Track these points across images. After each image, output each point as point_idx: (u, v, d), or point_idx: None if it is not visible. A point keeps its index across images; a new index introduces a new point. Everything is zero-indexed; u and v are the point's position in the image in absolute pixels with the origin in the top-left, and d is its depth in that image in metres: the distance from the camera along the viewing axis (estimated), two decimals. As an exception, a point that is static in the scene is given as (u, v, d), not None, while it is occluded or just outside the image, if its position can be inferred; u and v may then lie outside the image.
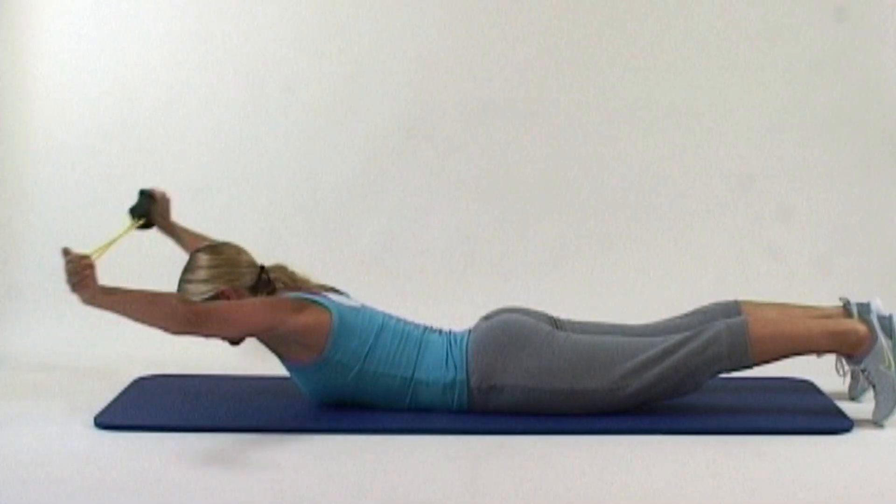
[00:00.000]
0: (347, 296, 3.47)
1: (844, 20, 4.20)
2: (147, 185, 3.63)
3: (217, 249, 3.36)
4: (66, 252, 3.00)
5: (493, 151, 4.24)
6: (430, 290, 4.18)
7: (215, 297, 3.30)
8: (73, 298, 3.01)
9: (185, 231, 3.69)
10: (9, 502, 2.70)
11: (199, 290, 3.31)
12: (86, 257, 3.01)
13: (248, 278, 3.34)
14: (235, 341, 3.37)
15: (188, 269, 3.35)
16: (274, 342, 3.28)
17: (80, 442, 3.13)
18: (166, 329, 3.11)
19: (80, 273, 3.00)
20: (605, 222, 4.23)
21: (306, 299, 3.29)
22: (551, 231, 4.23)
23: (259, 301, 3.26)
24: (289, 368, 3.34)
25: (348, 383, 3.30)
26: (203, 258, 3.34)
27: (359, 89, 4.22)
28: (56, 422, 3.31)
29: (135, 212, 3.64)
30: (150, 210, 3.64)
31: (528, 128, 4.23)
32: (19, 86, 4.24)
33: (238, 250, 3.38)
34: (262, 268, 3.40)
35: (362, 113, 4.22)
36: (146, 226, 3.67)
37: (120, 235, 3.47)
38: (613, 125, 4.23)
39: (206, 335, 3.19)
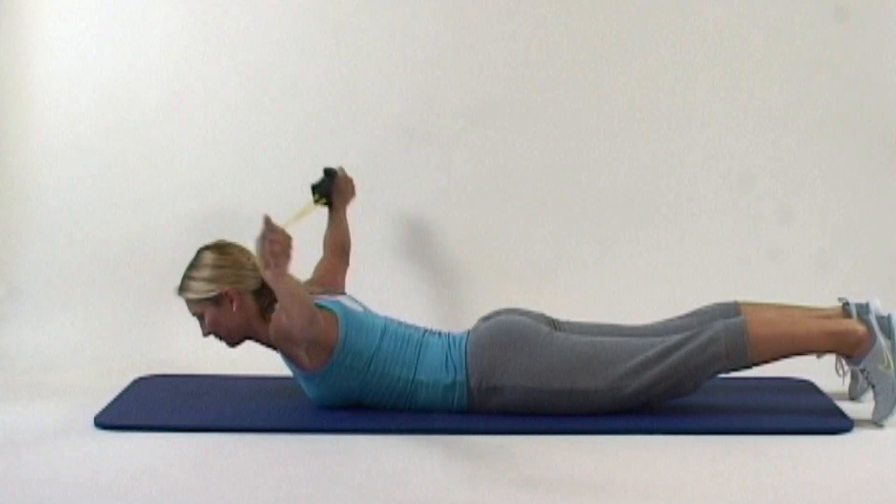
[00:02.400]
0: (350, 298, 3.48)
1: (844, 20, 4.20)
2: (330, 165, 3.74)
3: (224, 250, 3.36)
4: (269, 223, 2.99)
5: (493, 151, 4.23)
6: (431, 291, 4.18)
7: (217, 298, 3.30)
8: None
9: (343, 223, 3.79)
10: (9, 502, 2.70)
11: (201, 289, 3.31)
12: (287, 235, 3.02)
13: (253, 282, 3.34)
14: (234, 343, 3.37)
15: (193, 265, 3.35)
16: (292, 347, 3.27)
17: (80, 442, 3.13)
18: (297, 318, 3.13)
19: (283, 244, 3.00)
20: (604, 222, 4.23)
21: (315, 304, 3.29)
22: (551, 231, 4.23)
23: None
24: (297, 375, 3.34)
25: (354, 387, 3.30)
26: (209, 257, 3.34)
27: (359, 89, 4.22)
28: (56, 422, 3.31)
29: (316, 189, 3.73)
30: (330, 189, 3.73)
31: (528, 128, 4.22)
32: (20, 86, 4.23)
33: (244, 252, 3.38)
34: (268, 273, 3.40)
35: (362, 113, 4.22)
36: (327, 203, 3.75)
37: (303, 214, 3.55)
38: (613, 125, 4.23)
39: (311, 335, 3.20)
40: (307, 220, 3.56)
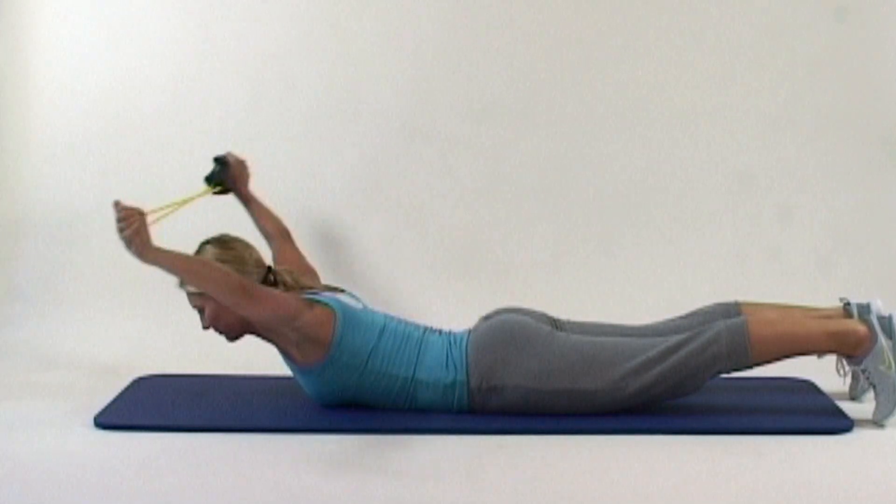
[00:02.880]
0: (351, 295, 3.47)
1: (844, 20, 4.19)
2: (221, 152, 3.72)
3: (227, 244, 3.36)
4: (116, 203, 3.02)
5: (493, 151, 4.23)
6: (431, 290, 4.18)
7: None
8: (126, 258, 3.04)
9: (259, 204, 3.76)
10: (9, 502, 2.70)
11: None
12: (137, 209, 3.03)
13: (255, 277, 3.34)
14: (233, 337, 3.36)
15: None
16: (283, 341, 3.28)
17: (80, 442, 3.13)
18: (220, 292, 3.14)
19: (129, 220, 3.01)
20: (605, 222, 4.23)
21: (312, 299, 3.30)
22: (551, 231, 4.23)
23: (286, 293, 3.30)
24: (294, 370, 3.34)
25: (352, 384, 3.30)
26: (211, 251, 3.34)
27: (359, 89, 4.22)
28: (56, 422, 3.31)
29: (209, 180, 3.70)
30: (224, 177, 3.70)
31: (528, 128, 4.22)
32: (20, 86, 4.23)
33: (247, 247, 3.38)
34: (270, 268, 3.40)
35: (362, 113, 4.22)
36: (223, 191, 3.72)
37: (190, 199, 3.52)
38: (613, 125, 4.22)
39: (247, 311, 3.20)
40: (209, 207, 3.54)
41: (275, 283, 3.38)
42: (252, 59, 4.23)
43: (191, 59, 4.23)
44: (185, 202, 3.45)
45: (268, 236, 3.73)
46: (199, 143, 4.22)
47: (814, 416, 3.31)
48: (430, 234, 4.22)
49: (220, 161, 3.72)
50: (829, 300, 3.54)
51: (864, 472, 2.93)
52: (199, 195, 3.59)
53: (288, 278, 3.41)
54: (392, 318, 3.42)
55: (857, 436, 3.18)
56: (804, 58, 4.21)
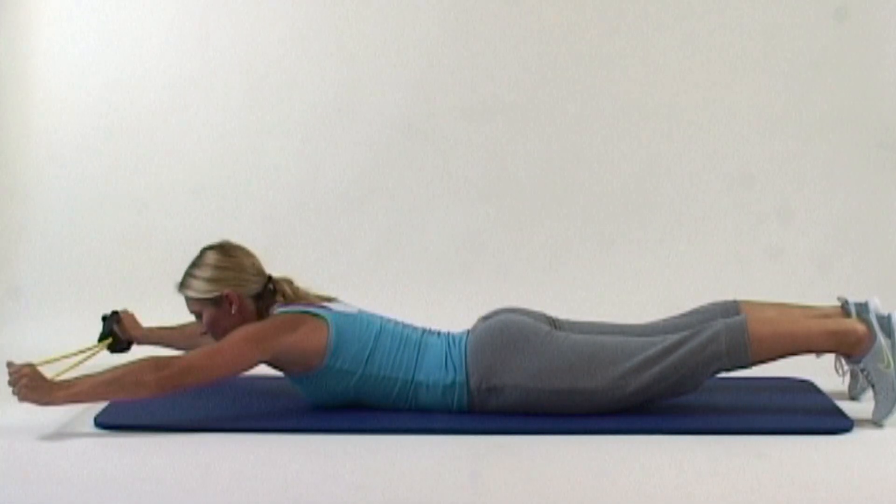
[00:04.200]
0: (343, 303, 3.46)
1: (844, 20, 4.20)
2: (106, 309, 3.66)
3: (228, 251, 3.36)
4: (8, 364, 3.08)
5: (493, 151, 4.24)
6: (430, 290, 4.18)
7: (217, 300, 3.30)
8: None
9: (164, 330, 3.71)
10: (9, 502, 2.70)
11: (202, 288, 3.30)
12: (25, 364, 3.08)
13: (254, 286, 3.34)
14: None
15: (196, 263, 3.34)
16: (273, 362, 3.27)
17: (80, 442, 3.13)
18: (145, 397, 3.14)
19: (17, 381, 3.06)
20: (604, 222, 4.23)
21: (303, 312, 3.28)
22: (551, 231, 4.23)
23: (240, 337, 3.20)
24: (292, 380, 3.34)
25: (350, 389, 3.30)
26: (212, 257, 3.33)
27: (359, 89, 4.22)
28: (56, 422, 3.30)
29: (101, 338, 3.66)
30: (115, 330, 3.66)
31: (528, 128, 4.23)
32: (20, 86, 4.24)
33: (248, 255, 3.37)
34: (270, 278, 3.39)
35: (362, 113, 4.22)
36: (123, 346, 3.67)
37: (83, 354, 3.50)
38: (613, 125, 4.23)
39: (194, 387, 3.19)
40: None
41: (273, 293, 3.37)
42: (252, 59, 4.23)
43: (191, 59, 4.23)
44: (75, 356, 3.43)
45: (191, 343, 3.59)
46: (199, 143, 4.23)
47: (814, 416, 3.31)
48: (430, 234, 4.22)
49: (107, 317, 3.68)
50: (828, 299, 3.54)
51: (864, 472, 2.93)
52: (90, 352, 3.54)
53: (286, 289, 3.40)
54: (389, 320, 3.42)
55: (857, 436, 3.18)
56: (804, 58, 4.22)
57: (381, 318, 3.42)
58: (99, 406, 3.37)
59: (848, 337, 3.28)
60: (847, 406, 3.41)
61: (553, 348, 3.28)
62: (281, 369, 3.31)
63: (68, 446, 3.10)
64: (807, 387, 3.61)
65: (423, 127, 4.22)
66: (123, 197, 4.22)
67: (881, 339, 3.26)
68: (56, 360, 3.32)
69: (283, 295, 3.38)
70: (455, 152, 4.23)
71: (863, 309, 3.39)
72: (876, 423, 3.25)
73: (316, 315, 3.28)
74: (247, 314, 3.32)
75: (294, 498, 2.75)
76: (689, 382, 3.27)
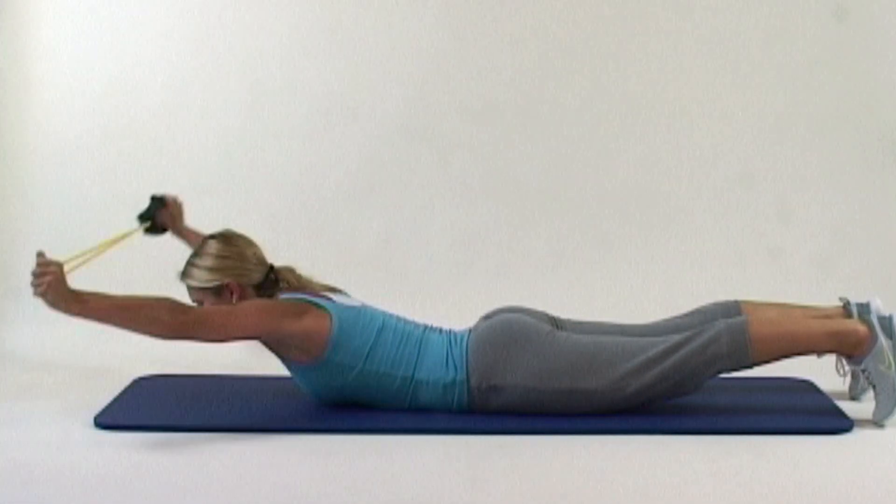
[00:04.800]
0: (347, 295, 3.47)
1: (844, 20, 4.20)
2: (159, 191, 3.67)
3: (229, 240, 3.36)
4: (38, 255, 2.93)
5: (493, 151, 4.24)
6: (430, 290, 4.18)
7: (218, 289, 3.30)
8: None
9: (198, 236, 3.69)
10: (9, 502, 2.69)
11: (203, 277, 3.30)
12: (54, 262, 2.94)
13: (256, 275, 3.34)
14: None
15: (197, 252, 3.35)
16: (274, 344, 3.27)
17: (80, 442, 3.13)
18: (155, 336, 3.07)
19: (40, 276, 2.93)
20: (605, 222, 4.23)
21: (307, 301, 3.29)
22: (551, 231, 4.23)
23: (255, 306, 3.22)
24: (290, 368, 3.34)
25: (349, 383, 3.30)
26: (214, 246, 3.33)
27: (359, 89, 4.22)
28: (56, 422, 3.31)
29: (142, 217, 3.66)
30: (156, 214, 3.65)
31: (528, 128, 4.23)
32: (19, 86, 4.24)
33: (250, 244, 3.38)
34: (272, 267, 3.39)
35: (362, 113, 4.22)
36: (157, 231, 3.68)
37: (120, 238, 3.46)
38: (613, 125, 4.23)
39: (201, 341, 3.16)
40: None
41: (276, 282, 3.37)
42: (252, 59, 4.23)
43: (191, 59, 4.23)
44: (114, 242, 3.39)
45: None
46: (199, 143, 4.23)
47: (814, 416, 3.31)
48: (430, 234, 4.22)
49: (157, 199, 3.68)
50: (828, 300, 3.54)
51: (864, 472, 2.93)
52: (126, 235, 3.51)
53: (290, 277, 3.41)
54: (391, 316, 3.42)
55: (857, 436, 3.18)
56: (804, 58, 4.22)
57: (384, 313, 3.41)
58: (99, 406, 3.38)
59: (849, 338, 3.28)
60: (847, 406, 3.41)
61: (554, 348, 3.28)
62: (282, 356, 3.30)
63: (68, 446, 3.10)
64: (807, 387, 3.61)
65: (422, 127, 4.22)
66: (123, 197, 4.21)
67: (882, 340, 3.26)
68: (87, 254, 3.25)
69: (288, 283, 3.38)
70: (455, 152, 4.23)
71: (864, 309, 3.39)
72: (876, 423, 3.25)
73: (320, 306, 3.29)
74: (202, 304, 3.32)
75: (294, 498, 2.75)
76: (690, 383, 3.27)
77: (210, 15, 4.22)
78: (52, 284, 2.93)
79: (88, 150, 4.23)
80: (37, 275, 2.93)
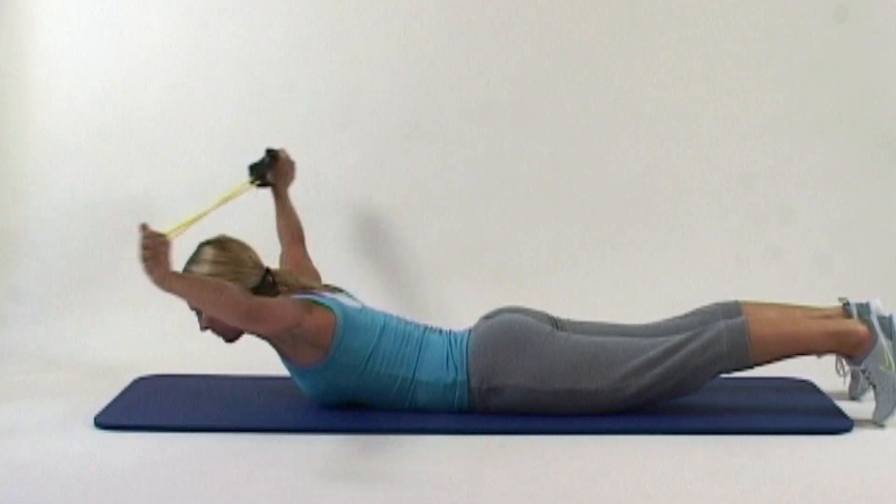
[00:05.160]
0: (349, 294, 3.47)
1: (844, 20, 4.20)
2: (274, 146, 3.75)
3: (224, 245, 3.36)
4: (143, 227, 2.96)
5: (493, 151, 4.23)
6: (431, 290, 4.18)
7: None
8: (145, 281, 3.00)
9: (288, 205, 3.77)
10: (9, 502, 2.69)
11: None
12: (161, 235, 2.98)
13: (253, 279, 3.34)
14: (231, 338, 3.36)
15: (193, 259, 3.35)
16: (283, 343, 3.27)
17: (80, 442, 3.13)
18: (227, 317, 3.16)
19: (153, 248, 2.96)
20: (605, 222, 4.23)
21: (312, 301, 3.29)
22: (551, 231, 4.23)
23: (287, 300, 3.27)
24: (292, 371, 3.34)
25: (351, 385, 3.30)
26: (209, 252, 3.34)
27: (359, 89, 4.22)
28: (56, 422, 3.31)
29: (254, 169, 3.71)
30: (266, 170, 3.71)
31: (528, 128, 4.22)
32: (19, 86, 4.23)
33: (245, 249, 3.38)
34: (268, 270, 3.39)
35: (362, 113, 4.22)
36: (264, 185, 3.73)
37: (235, 194, 3.49)
38: (613, 125, 4.22)
39: (254, 331, 3.23)
40: (246, 201, 3.56)
41: (273, 284, 3.37)
42: (252, 59, 4.23)
43: (191, 59, 4.23)
44: (230, 198, 3.45)
45: (281, 236, 3.74)
46: (199, 143, 4.23)
47: (814, 416, 3.31)
48: (430, 234, 4.22)
49: (272, 154, 3.74)
50: (828, 300, 3.54)
51: (864, 472, 2.93)
52: (238, 192, 3.58)
53: (289, 279, 3.41)
54: (392, 317, 3.42)
55: (857, 436, 3.18)
56: (804, 58, 4.21)
57: (385, 314, 3.42)
58: (99, 406, 3.38)
59: (849, 338, 3.28)
60: (847, 406, 3.41)
61: (555, 349, 3.28)
62: (288, 358, 3.30)
63: (68, 446, 3.10)
64: (807, 387, 3.61)
65: (423, 127, 4.22)
66: (123, 197, 4.21)
67: (882, 340, 3.26)
68: (199, 214, 3.30)
69: (287, 285, 3.38)
70: (455, 152, 4.23)
71: (864, 310, 3.39)
72: (876, 423, 3.26)
73: (325, 305, 3.29)
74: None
75: (294, 498, 2.75)
76: (691, 383, 3.27)
77: (210, 15, 4.21)
78: (159, 259, 2.97)
79: (88, 150, 4.23)
80: (146, 247, 2.95)
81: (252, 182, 3.70)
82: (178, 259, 3.40)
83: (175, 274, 3.04)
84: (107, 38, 4.23)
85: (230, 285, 3.17)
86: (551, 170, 4.23)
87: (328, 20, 4.23)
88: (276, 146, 3.78)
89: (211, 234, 3.40)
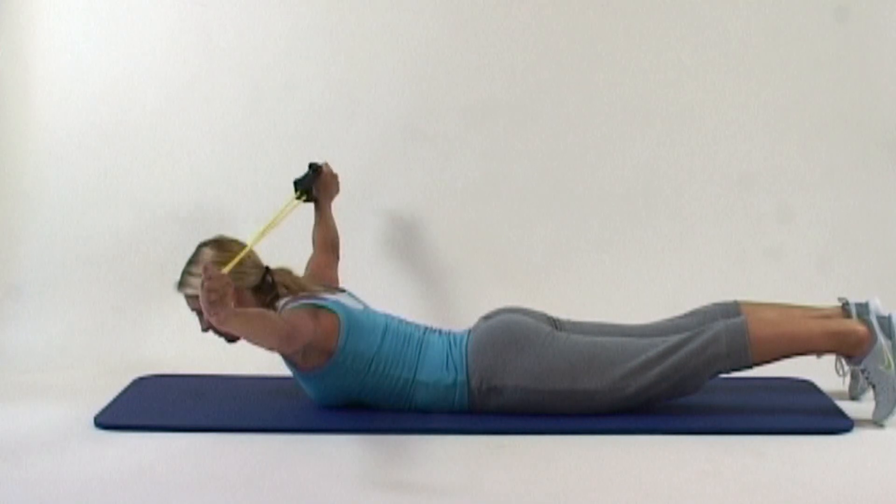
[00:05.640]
0: (350, 295, 3.47)
1: (844, 20, 4.19)
2: (316, 160, 3.76)
3: (223, 246, 3.36)
4: (206, 269, 2.81)
5: (493, 151, 4.23)
6: (430, 290, 4.18)
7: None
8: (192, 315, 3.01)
9: (328, 217, 3.77)
10: (9, 502, 2.70)
11: (199, 285, 3.30)
12: (224, 275, 2.84)
13: (253, 279, 3.34)
14: (232, 339, 3.36)
15: (192, 261, 3.35)
16: (295, 353, 3.26)
17: (80, 442, 3.13)
18: (268, 345, 3.09)
19: (220, 290, 2.81)
20: (605, 222, 4.23)
21: (315, 305, 3.29)
22: (551, 231, 4.23)
23: (300, 313, 3.21)
24: (296, 374, 3.34)
25: (354, 386, 3.30)
26: (208, 253, 3.34)
27: (359, 89, 4.22)
28: (56, 422, 3.31)
29: (298, 184, 3.70)
30: (311, 185, 3.71)
31: (528, 128, 4.22)
32: (19, 86, 4.23)
33: (243, 249, 3.37)
34: (268, 269, 3.39)
35: (362, 113, 4.22)
36: (310, 199, 3.73)
37: (284, 212, 3.46)
38: (613, 125, 4.22)
39: (286, 351, 3.18)
40: (291, 215, 3.54)
41: (273, 286, 3.37)
42: (252, 59, 4.23)
43: (191, 59, 4.22)
44: (279, 219, 3.36)
45: (314, 242, 3.74)
46: (199, 142, 4.22)
47: (814, 416, 3.31)
48: (430, 234, 4.22)
49: (314, 168, 3.75)
50: (828, 300, 3.54)
51: (864, 472, 2.93)
52: (285, 211, 3.50)
53: (287, 279, 3.40)
54: (392, 318, 3.42)
55: (857, 436, 3.18)
56: (804, 58, 4.21)
57: (385, 315, 3.42)
58: (99, 406, 3.38)
59: (848, 338, 3.28)
60: (847, 406, 3.41)
61: (554, 349, 3.29)
62: (294, 363, 3.30)
63: (68, 446, 3.10)
64: (807, 387, 3.61)
65: (423, 127, 4.22)
66: (123, 197, 4.21)
67: (882, 339, 3.26)
68: (262, 233, 3.21)
69: (286, 286, 3.38)
70: (455, 152, 4.23)
71: (863, 310, 3.39)
72: (876, 423, 3.26)
73: (328, 308, 3.28)
74: (247, 308, 3.32)
75: (294, 498, 2.75)
76: (690, 383, 3.27)
77: (210, 15, 4.21)
78: (226, 300, 2.83)
79: (88, 150, 4.22)
80: (213, 289, 2.81)
81: (298, 198, 3.68)
82: (179, 261, 3.42)
83: (234, 312, 2.91)
84: (107, 38, 4.23)
85: (270, 314, 3.10)
86: (551, 170, 4.23)
87: (328, 20, 4.23)
88: (318, 160, 3.79)
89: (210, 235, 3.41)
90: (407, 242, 4.20)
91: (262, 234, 3.26)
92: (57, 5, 4.22)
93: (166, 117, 4.22)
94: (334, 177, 3.82)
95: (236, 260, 3.12)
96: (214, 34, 4.22)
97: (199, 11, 4.22)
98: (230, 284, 2.85)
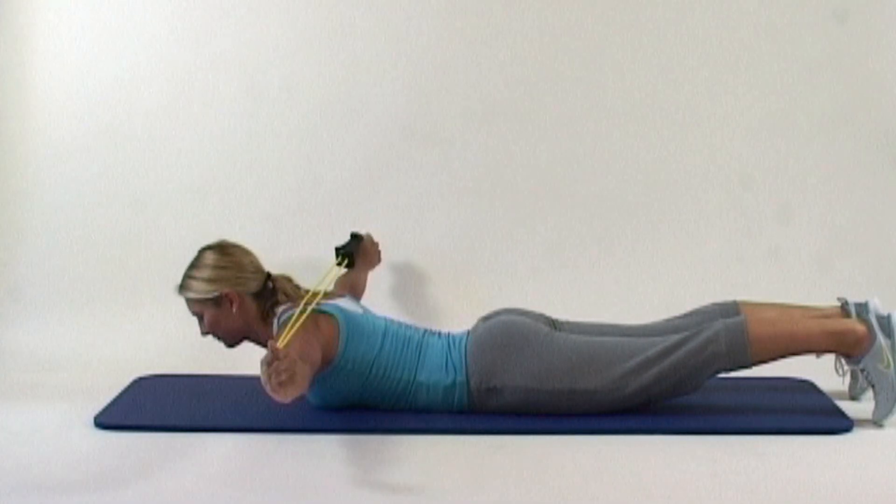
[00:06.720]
0: (350, 298, 3.47)
1: (844, 20, 4.19)
2: (358, 230, 3.84)
3: (225, 250, 3.36)
4: (275, 349, 2.68)
5: (493, 151, 4.23)
6: (431, 290, 4.18)
7: (217, 299, 3.30)
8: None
9: (361, 284, 3.78)
10: (9, 502, 2.70)
11: (202, 289, 3.30)
12: (289, 354, 2.73)
13: (254, 284, 3.34)
14: (231, 343, 3.37)
15: (194, 265, 3.35)
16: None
17: (80, 442, 3.13)
18: (303, 386, 2.93)
19: (290, 370, 2.71)
20: (604, 222, 4.23)
21: (315, 311, 3.28)
22: (551, 231, 4.23)
23: (307, 337, 3.13)
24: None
25: (355, 389, 3.30)
26: (210, 257, 3.34)
27: (359, 89, 4.22)
28: (56, 422, 3.31)
29: (340, 251, 3.72)
30: (354, 252, 3.75)
31: (528, 128, 4.22)
32: (19, 86, 4.23)
33: (246, 253, 3.38)
34: (269, 275, 3.39)
35: (362, 113, 4.22)
36: (350, 266, 3.74)
37: (324, 282, 3.43)
38: (613, 125, 4.22)
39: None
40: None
41: (273, 292, 3.37)
42: (252, 59, 4.23)
43: (191, 59, 4.22)
44: (317, 294, 3.30)
45: (336, 285, 3.66)
46: (199, 143, 4.23)
47: (814, 416, 3.31)
48: (430, 234, 4.22)
49: (356, 237, 3.81)
50: (827, 300, 3.54)
51: (864, 472, 2.93)
52: (329, 279, 3.49)
53: (288, 286, 3.40)
54: (392, 321, 3.42)
55: (857, 436, 3.18)
56: (804, 58, 4.21)
57: (385, 318, 3.42)
58: (99, 406, 3.38)
59: (847, 337, 3.28)
60: (847, 406, 3.41)
61: (553, 349, 3.29)
62: None
63: (68, 446, 3.10)
64: (807, 387, 3.61)
65: (423, 127, 4.22)
66: (123, 197, 4.21)
67: (881, 339, 3.27)
68: (302, 312, 3.14)
69: (285, 293, 3.38)
70: (455, 152, 4.23)
71: (862, 309, 3.39)
72: (876, 423, 3.26)
73: (327, 314, 3.28)
74: (248, 313, 3.32)
75: (295, 498, 2.75)
76: (689, 383, 3.27)
77: (209, 15, 4.21)
78: (295, 378, 2.75)
79: (88, 150, 4.22)
80: (286, 370, 2.70)
81: (339, 264, 3.68)
82: (179, 262, 3.42)
83: (301, 386, 2.82)
84: (107, 38, 4.23)
85: (307, 368, 2.97)
86: (550, 171, 4.23)
87: (328, 20, 4.23)
88: (361, 231, 3.85)
89: (209, 240, 3.41)
90: (407, 242, 4.20)
91: (307, 301, 3.20)
92: (57, 5, 4.22)
93: (166, 117, 4.22)
94: (375, 245, 3.85)
95: (292, 332, 3.02)
96: (214, 34, 4.23)
97: (199, 11, 4.22)
98: (297, 362, 2.76)
